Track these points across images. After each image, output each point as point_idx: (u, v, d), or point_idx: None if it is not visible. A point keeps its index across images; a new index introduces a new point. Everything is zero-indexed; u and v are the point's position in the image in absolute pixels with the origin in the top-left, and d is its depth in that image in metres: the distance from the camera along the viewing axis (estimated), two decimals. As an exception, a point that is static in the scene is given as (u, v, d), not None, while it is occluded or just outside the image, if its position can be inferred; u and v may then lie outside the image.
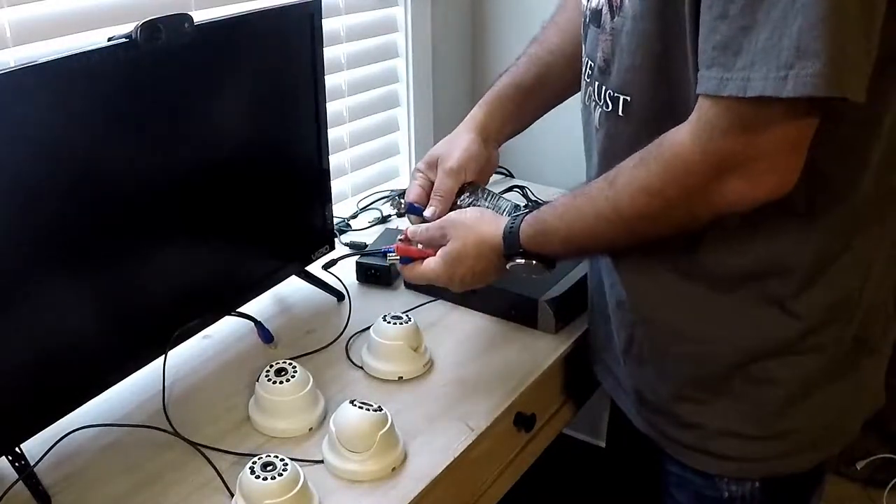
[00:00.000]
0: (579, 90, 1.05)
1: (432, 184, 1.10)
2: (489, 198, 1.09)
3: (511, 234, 0.94)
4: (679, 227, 0.83)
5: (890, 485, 1.88)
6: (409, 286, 1.28)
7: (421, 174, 1.12)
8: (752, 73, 0.70)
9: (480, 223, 0.98)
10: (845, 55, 0.67)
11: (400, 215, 1.29)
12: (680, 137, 0.78)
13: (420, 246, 1.03)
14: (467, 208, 1.05)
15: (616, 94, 0.87)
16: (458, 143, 1.11)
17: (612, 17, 0.86)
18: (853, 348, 0.89)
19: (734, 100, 0.72)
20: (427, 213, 1.08)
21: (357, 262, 1.31)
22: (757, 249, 0.85)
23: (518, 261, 0.94)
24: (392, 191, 1.63)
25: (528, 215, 0.94)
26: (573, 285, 1.18)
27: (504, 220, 0.96)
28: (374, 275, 1.30)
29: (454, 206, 1.09)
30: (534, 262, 0.94)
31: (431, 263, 1.00)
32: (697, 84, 0.75)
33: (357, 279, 1.31)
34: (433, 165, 1.11)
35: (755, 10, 0.69)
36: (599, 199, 0.85)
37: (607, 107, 0.89)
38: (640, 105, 0.85)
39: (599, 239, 0.88)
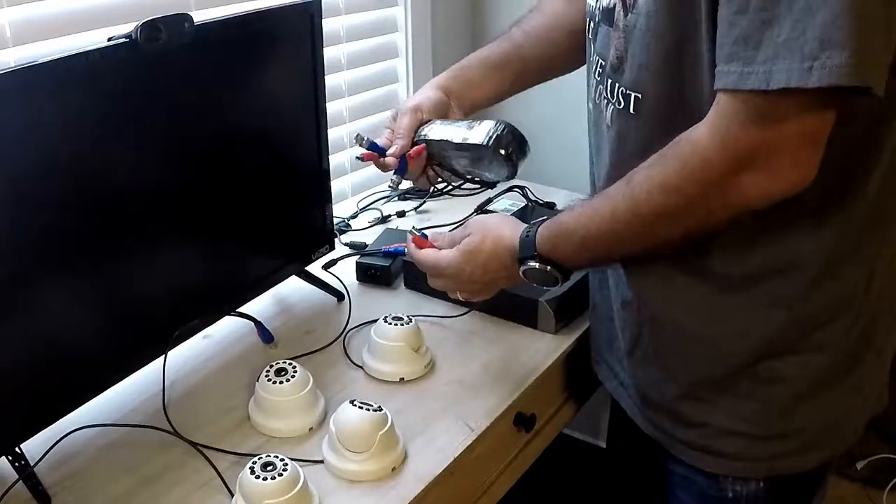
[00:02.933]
0: (553, 74, 1.10)
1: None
2: (453, 122, 1.07)
3: (527, 238, 0.93)
4: (697, 227, 0.82)
5: (890, 485, 1.88)
6: (410, 286, 1.28)
7: (388, 127, 1.12)
8: (774, 65, 0.70)
9: (502, 226, 0.98)
10: (869, 47, 0.67)
11: (360, 157, 1.24)
12: (697, 133, 0.78)
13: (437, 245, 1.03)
14: (493, 214, 1.06)
15: (628, 92, 0.87)
16: (419, 94, 1.12)
17: (626, 15, 0.86)
18: (858, 347, 0.89)
19: (754, 93, 0.72)
20: (390, 150, 1.08)
21: (357, 262, 1.31)
22: (766, 248, 0.85)
23: (531, 264, 0.92)
24: (390, 187, 1.63)
25: (547, 220, 0.93)
26: (573, 285, 1.18)
27: (524, 226, 0.95)
28: (374, 275, 1.30)
29: (417, 144, 1.07)
30: (548, 268, 0.91)
31: (447, 253, 0.99)
32: (715, 80, 0.75)
33: (357, 279, 1.31)
34: (395, 116, 1.12)
35: (776, 3, 0.69)
36: (617, 198, 0.85)
37: (619, 104, 0.89)
38: (651, 102, 0.85)
39: (616, 241, 0.87)
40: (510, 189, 1.60)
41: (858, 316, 0.88)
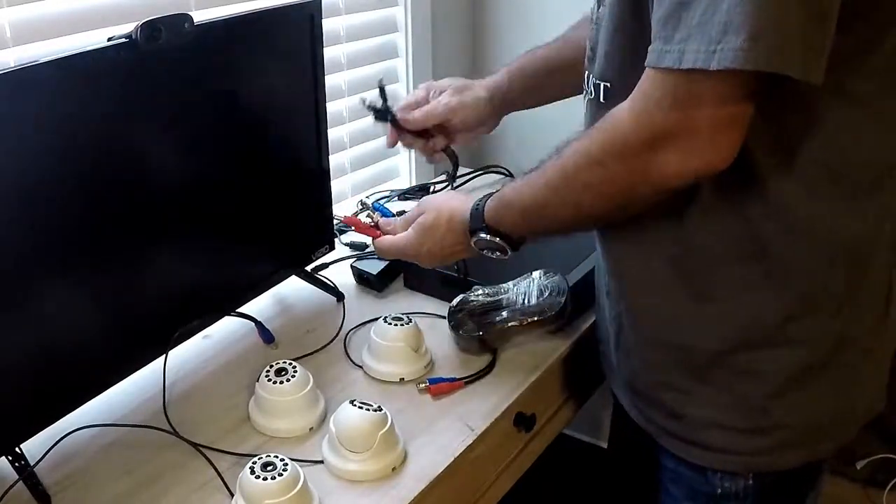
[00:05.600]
0: None
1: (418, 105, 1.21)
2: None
3: (477, 210, 0.97)
4: (623, 201, 0.84)
5: (890, 485, 1.88)
6: (409, 286, 1.28)
7: (423, 91, 1.22)
8: (687, 45, 0.71)
9: (452, 199, 1.03)
10: (777, 31, 0.68)
11: (375, 113, 1.26)
12: (620, 109, 0.80)
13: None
14: (443, 191, 1.10)
15: (598, 82, 0.90)
16: (470, 94, 1.20)
17: (598, 8, 0.89)
18: (839, 346, 0.89)
19: (670, 72, 0.74)
20: (415, 115, 1.20)
21: (352, 266, 1.30)
22: (736, 232, 0.85)
23: (481, 235, 0.96)
24: (392, 191, 1.63)
25: (496, 192, 0.97)
26: (573, 285, 1.18)
27: (474, 198, 0.99)
28: (367, 280, 1.28)
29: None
30: (497, 239, 0.95)
31: (403, 235, 1.04)
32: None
33: (355, 280, 1.31)
34: (438, 91, 1.21)
35: None
36: (550, 170, 0.88)
37: (591, 94, 0.92)
38: (619, 91, 0.85)
39: (551, 211, 0.90)
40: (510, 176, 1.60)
41: (838, 312, 0.88)
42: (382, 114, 1.15)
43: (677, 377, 0.93)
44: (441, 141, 1.23)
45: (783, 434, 0.91)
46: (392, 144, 1.28)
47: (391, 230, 1.08)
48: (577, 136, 0.86)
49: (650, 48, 0.76)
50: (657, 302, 0.92)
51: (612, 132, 0.81)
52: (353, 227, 1.13)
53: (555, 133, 1.22)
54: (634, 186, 0.81)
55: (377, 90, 1.17)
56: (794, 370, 0.89)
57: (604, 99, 0.89)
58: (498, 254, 0.97)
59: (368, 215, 1.14)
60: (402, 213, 1.15)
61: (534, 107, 1.23)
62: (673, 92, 0.74)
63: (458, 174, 1.63)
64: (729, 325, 0.88)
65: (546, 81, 1.20)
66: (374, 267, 1.28)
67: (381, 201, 1.60)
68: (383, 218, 1.12)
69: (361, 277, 1.30)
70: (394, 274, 1.29)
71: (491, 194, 0.97)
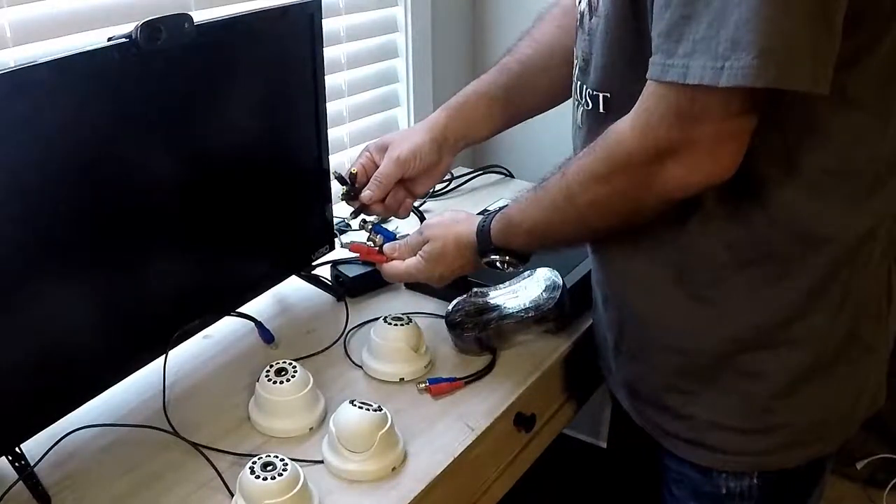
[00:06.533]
0: (554, 103, 1.11)
1: (376, 167, 1.14)
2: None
3: (482, 232, 0.99)
4: (630, 214, 0.85)
5: (890, 485, 1.89)
6: (410, 286, 1.28)
7: (368, 154, 1.15)
8: (691, 61, 0.71)
9: (456, 223, 1.04)
10: (787, 46, 0.68)
11: (351, 210, 1.19)
12: (622, 125, 0.80)
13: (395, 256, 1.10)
14: (444, 214, 1.09)
15: (595, 93, 0.89)
16: (412, 139, 1.13)
17: (591, 18, 0.88)
18: (845, 344, 0.89)
19: (674, 86, 0.73)
20: (364, 195, 1.13)
21: (331, 264, 1.29)
22: (739, 237, 0.85)
23: (492, 257, 0.99)
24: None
25: (498, 212, 0.98)
26: (573, 286, 1.18)
27: (477, 219, 1.01)
28: (341, 282, 1.26)
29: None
30: (507, 257, 0.98)
31: (413, 262, 1.06)
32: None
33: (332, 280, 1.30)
34: (382, 150, 1.14)
35: (695, 0, 0.70)
36: (554, 189, 0.89)
37: (587, 105, 0.91)
38: (620, 102, 0.85)
39: (557, 229, 0.92)
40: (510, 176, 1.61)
41: (840, 311, 0.88)
42: (350, 196, 1.16)
43: (682, 380, 0.93)
44: (402, 192, 1.15)
45: (788, 433, 0.91)
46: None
47: (397, 256, 1.09)
48: (579, 155, 0.86)
49: (651, 60, 0.75)
50: (660, 307, 0.92)
51: (616, 148, 0.81)
52: (358, 255, 1.14)
53: (554, 132, 1.23)
54: (639, 200, 0.82)
55: (344, 177, 1.15)
56: (797, 370, 0.89)
57: (604, 109, 0.88)
58: (510, 268, 0.99)
59: (370, 238, 1.14)
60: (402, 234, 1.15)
61: (487, 138, 1.17)
62: (676, 106, 0.74)
63: (459, 174, 1.63)
64: (732, 327, 0.89)
65: (490, 115, 1.14)
66: (352, 271, 1.26)
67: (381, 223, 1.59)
68: (387, 243, 1.12)
69: (337, 280, 1.28)
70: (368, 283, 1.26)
71: (493, 213, 0.98)
